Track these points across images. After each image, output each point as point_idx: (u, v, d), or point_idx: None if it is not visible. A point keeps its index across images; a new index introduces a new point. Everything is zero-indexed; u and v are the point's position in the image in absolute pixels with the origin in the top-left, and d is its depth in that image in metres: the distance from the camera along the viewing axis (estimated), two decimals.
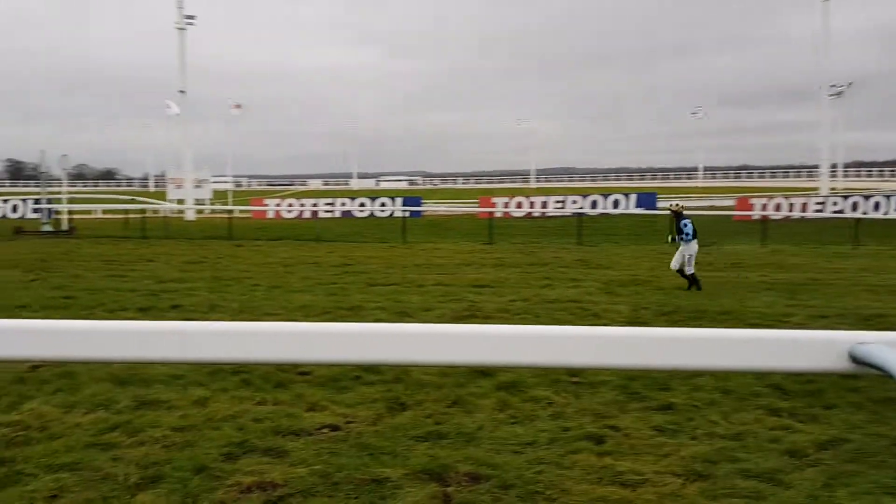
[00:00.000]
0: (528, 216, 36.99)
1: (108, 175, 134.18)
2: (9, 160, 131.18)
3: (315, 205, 37.11)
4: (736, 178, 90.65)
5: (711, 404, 5.87)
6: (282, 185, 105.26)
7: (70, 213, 30.52)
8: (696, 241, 12.96)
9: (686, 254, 12.88)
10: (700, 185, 75.17)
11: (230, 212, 29.27)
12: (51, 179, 35.37)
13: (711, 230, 27.30)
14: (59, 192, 32.17)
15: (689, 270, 12.85)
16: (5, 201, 35.99)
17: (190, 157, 41.77)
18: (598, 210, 36.48)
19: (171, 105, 45.31)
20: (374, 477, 4.39)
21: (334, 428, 5.28)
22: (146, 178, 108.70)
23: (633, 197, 38.26)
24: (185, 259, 17.94)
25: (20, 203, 34.89)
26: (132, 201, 37.58)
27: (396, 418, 5.48)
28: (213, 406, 5.68)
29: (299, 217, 36.38)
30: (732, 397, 6.03)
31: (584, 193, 41.56)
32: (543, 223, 33.76)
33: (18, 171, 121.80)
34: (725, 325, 9.26)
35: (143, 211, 30.34)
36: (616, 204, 37.44)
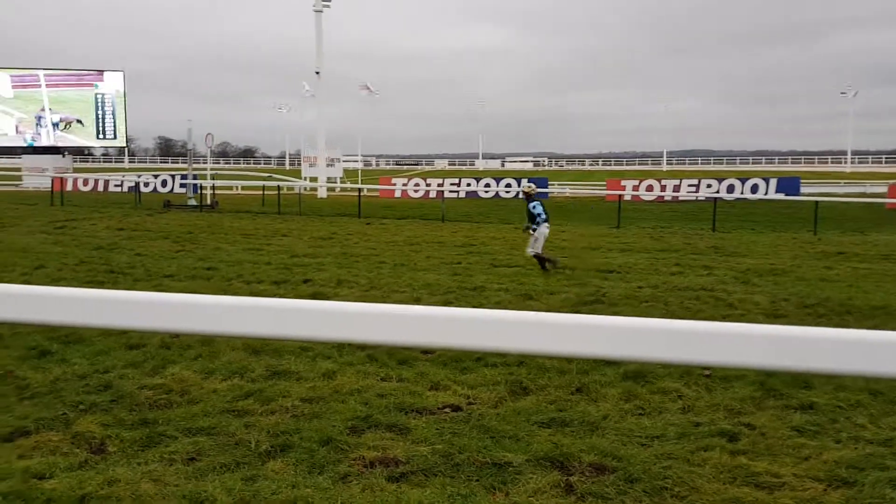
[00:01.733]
0: (659, 200, 35.79)
1: (247, 153, 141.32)
2: (160, 138, 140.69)
3: (441, 185, 37.48)
4: (889, 163, 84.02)
5: (857, 406, 5.42)
6: (409, 165, 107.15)
7: (213, 188, 32.31)
8: (545, 224, 12.54)
9: (535, 236, 12.47)
10: (848, 170, 70.25)
11: (359, 190, 30.02)
12: (196, 156, 37.58)
13: (861, 218, 25.42)
14: (203, 169, 34.13)
15: (531, 251, 12.51)
16: (156, 176, 38.52)
17: (323, 137, 43.15)
18: (735, 195, 34.78)
19: (307, 86, 46.88)
20: (495, 460, 4.34)
21: (456, 408, 5.28)
22: (283, 157, 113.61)
23: (774, 181, 36.21)
24: (317, 235, 18.57)
25: (169, 178, 37.23)
26: (269, 178, 39.36)
27: (519, 402, 5.41)
28: (340, 379, 5.82)
29: (425, 196, 36.87)
30: (881, 400, 5.55)
31: (719, 177, 39.76)
32: (675, 207, 32.55)
33: (169, 149, 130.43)
34: (877, 322, 8.57)
35: (278, 188, 31.65)
36: (755, 189, 35.56)
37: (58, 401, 5.22)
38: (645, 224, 23.49)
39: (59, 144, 50.06)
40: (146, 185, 35.75)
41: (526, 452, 4.45)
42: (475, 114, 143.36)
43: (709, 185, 35.83)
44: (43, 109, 49.47)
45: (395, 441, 4.64)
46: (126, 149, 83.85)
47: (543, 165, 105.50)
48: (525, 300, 9.69)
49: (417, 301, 9.50)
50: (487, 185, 38.38)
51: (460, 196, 36.84)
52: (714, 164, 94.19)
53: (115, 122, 50.40)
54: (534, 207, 12.68)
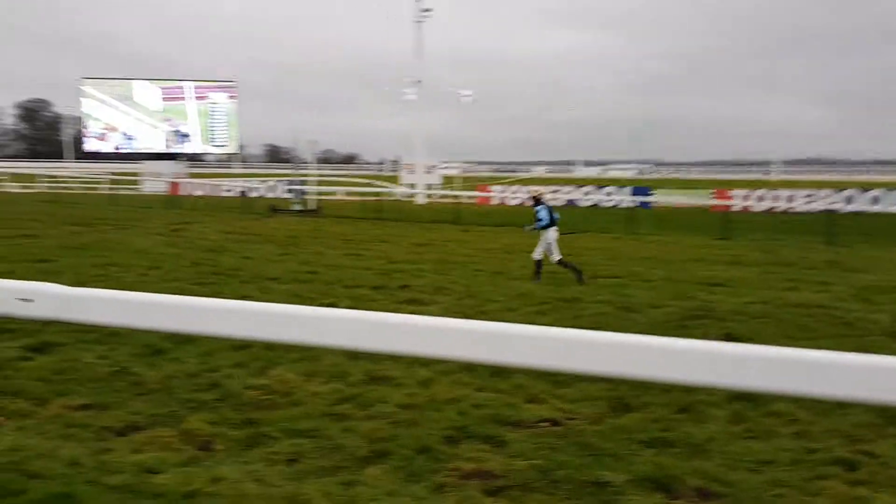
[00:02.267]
0: (771, 211, 34.30)
1: (349, 159, 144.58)
2: (268, 145, 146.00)
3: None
4: None
5: None
6: (507, 172, 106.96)
7: (317, 194, 33.22)
8: (552, 228, 12.47)
9: (544, 243, 12.44)
10: None
11: (457, 197, 30.16)
12: (301, 163, 38.76)
13: None
14: (308, 175, 35.16)
15: (537, 256, 12.45)
16: (264, 182, 39.94)
17: (422, 144, 43.69)
18: (855, 206, 32.92)
19: (407, 94, 47.62)
20: (595, 479, 4.22)
21: (555, 423, 5.18)
22: (382, 163, 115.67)
23: None
24: (415, 241, 18.76)
25: (275, 184, 38.52)
26: (369, 185, 40.14)
27: (620, 419, 5.25)
28: (436, 388, 5.81)
29: (523, 204, 36.68)
30: None
31: (838, 187, 37.73)
32: (788, 219, 31.11)
33: (276, 155, 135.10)
34: None
35: (378, 194, 32.20)
36: (876, 200, 33.55)
37: (169, 398, 5.45)
38: (755, 236, 22.52)
39: (176, 151, 52.82)
40: (254, 190, 37.11)
41: (627, 472, 4.31)
42: (576, 119, 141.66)
43: (825, 196, 34.08)
44: (166, 120, 52.33)
45: (491, 453, 4.58)
46: (237, 155, 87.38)
47: (647, 173, 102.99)
48: (625, 313, 9.44)
49: (512, 311, 9.42)
50: (588, 193, 37.81)
51: (559, 204, 36.44)
52: (828, 172, 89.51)
53: (228, 130, 52.76)
54: (538, 212, 12.65)
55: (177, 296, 1.84)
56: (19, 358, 6.32)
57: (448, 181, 49.70)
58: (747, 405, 5.52)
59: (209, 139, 52.91)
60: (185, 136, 52.74)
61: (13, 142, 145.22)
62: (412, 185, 41.48)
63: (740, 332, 8.29)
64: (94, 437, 4.66)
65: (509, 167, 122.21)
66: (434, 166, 43.84)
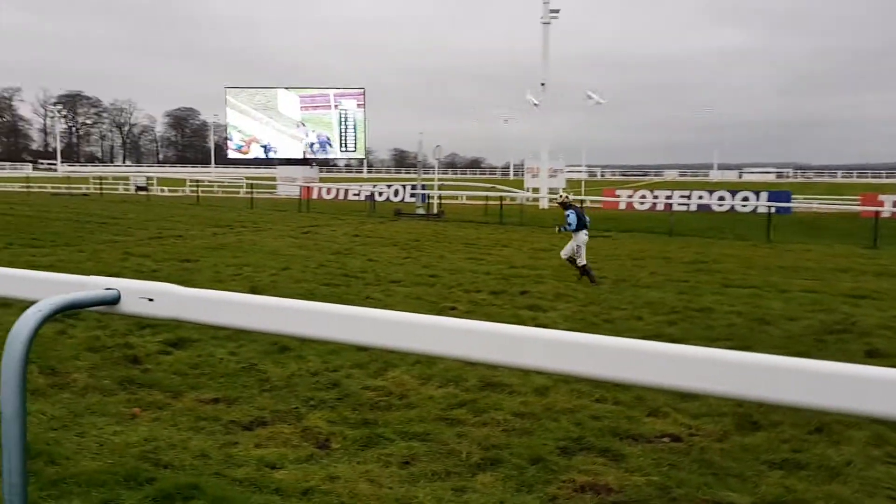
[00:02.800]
0: None
1: (474, 164, 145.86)
2: (395, 149, 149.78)
3: (669, 197, 36.01)
4: None
5: None
6: (635, 176, 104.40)
7: (440, 198, 33.67)
8: (581, 232, 12.75)
9: (574, 244, 12.77)
10: None
11: (582, 202, 29.73)
12: (426, 167, 39.43)
13: None
14: (431, 179, 35.70)
15: (581, 262, 12.62)
16: (389, 186, 40.90)
17: (546, 147, 43.34)
18: None
19: (532, 97, 47.39)
20: (717, 500, 4.00)
21: (676, 438, 4.96)
22: (507, 167, 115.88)
23: None
24: (537, 246, 18.62)
25: (400, 188, 39.35)
26: (492, 189, 40.26)
27: (747, 438, 4.96)
28: (553, 396, 5.72)
29: (652, 209, 35.65)
30: None
31: None
32: None
33: (402, 159, 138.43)
34: None
35: (501, 198, 32.23)
36: None
37: (292, 395, 5.64)
38: None
39: (309, 156, 55.10)
40: (380, 194, 38.09)
41: (753, 494, 4.06)
42: (710, 121, 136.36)
43: None
44: (300, 126, 54.74)
45: (607, 467, 4.44)
46: (364, 160, 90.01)
47: (787, 177, 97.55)
48: (759, 325, 8.95)
49: (639, 320, 9.14)
50: (721, 198, 36.26)
51: (690, 209, 35.16)
52: None
53: (355, 136, 54.50)
54: (567, 216, 12.97)
55: (285, 299, 1.88)
56: (159, 352, 6.74)
57: (573, 185, 49.10)
58: (890, 426, 5.08)
59: (340, 145, 54.83)
60: (319, 142, 54.88)
61: (164, 148, 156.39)
62: (536, 190, 41.26)
63: (885, 348, 7.66)
64: (222, 430, 4.89)
65: (639, 170, 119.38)
66: (559, 170, 43.39)
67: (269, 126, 55.27)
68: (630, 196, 39.06)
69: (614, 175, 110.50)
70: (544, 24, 42.46)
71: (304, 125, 54.41)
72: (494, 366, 1.81)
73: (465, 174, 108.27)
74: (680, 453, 4.68)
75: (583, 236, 12.79)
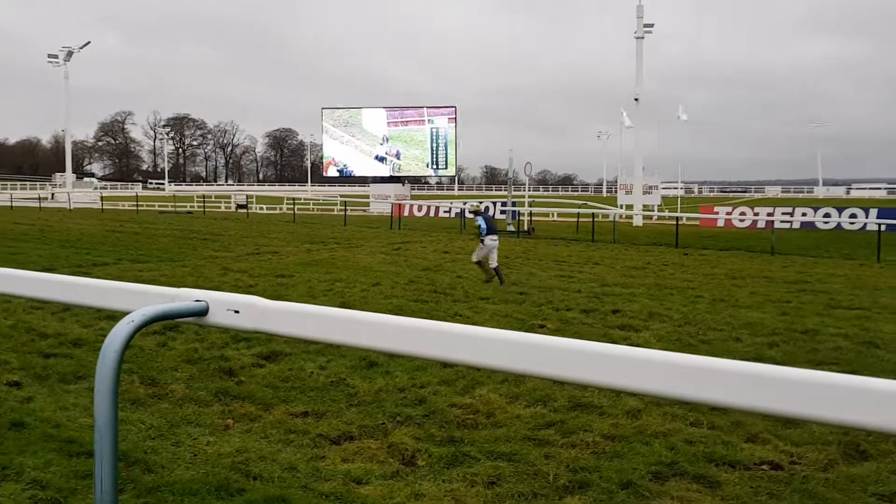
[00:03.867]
0: None
1: (566, 181, 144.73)
2: (486, 167, 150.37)
3: (770, 214, 34.60)
4: None
5: None
6: (734, 193, 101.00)
7: (531, 215, 33.47)
8: (491, 235, 13.86)
9: (482, 249, 14.00)
10: None
11: (677, 219, 28.93)
12: (517, 184, 39.33)
13: None
14: (522, 196, 35.56)
15: (493, 264, 13.84)
16: (479, 203, 40.98)
17: (640, 163, 42.48)
18: None
19: (625, 113, 46.66)
20: None
21: (776, 466, 4.69)
22: (600, 184, 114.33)
23: None
24: (629, 264, 18.20)
25: (490, 205, 39.37)
26: (584, 206, 39.73)
27: (854, 468, 4.64)
28: (646, 419, 5.52)
29: (752, 227, 34.32)
30: None
31: None
32: None
33: (493, 177, 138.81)
34: None
35: (592, 215, 31.76)
36: None
37: (379, 410, 5.67)
38: None
39: (400, 174, 55.99)
40: (470, 211, 38.18)
41: None
42: (815, 136, 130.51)
43: None
44: (391, 145, 55.77)
45: (701, 494, 4.24)
46: (455, 177, 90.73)
47: None
48: (868, 349, 8.42)
49: (737, 341, 8.76)
50: (827, 216, 34.56)
51: (793, 227, 33.68)
52: None
53: (447, 153, 55.02)
54: (478, 223, 14.29)
55: (366, 312, 1.87)
56: (252, 365, 6.92)
57: (669, 202, 47.92)
58: None
59: (431, 162, 55.45)
60: (409, 159, 55.69)
61: (263, 168, 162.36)
62: (630, 207, 40.48)
63: None
64: (311, 443, 4.95)
65: (738, 187, 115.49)
66: (654, 186, 42.44)
67: (362, 145, 56.51)
68: (729, 213, 37.72)
69: (712, 191, 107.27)
70: (638, 38, 41.79)
71: (388, 141, 55.36)
72: (585, 385, 1.74)
73: (557, 191, 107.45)
74: (780, 482, 4.43)
75: (489, 241, 13.93)
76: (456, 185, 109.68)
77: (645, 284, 13.97)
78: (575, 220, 34.47)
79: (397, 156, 55.39)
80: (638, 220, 38.11)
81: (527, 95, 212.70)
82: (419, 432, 5.18)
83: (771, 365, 1.51)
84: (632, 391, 1.62)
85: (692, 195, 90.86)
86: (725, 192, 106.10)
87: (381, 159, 56.22)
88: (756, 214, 35.89)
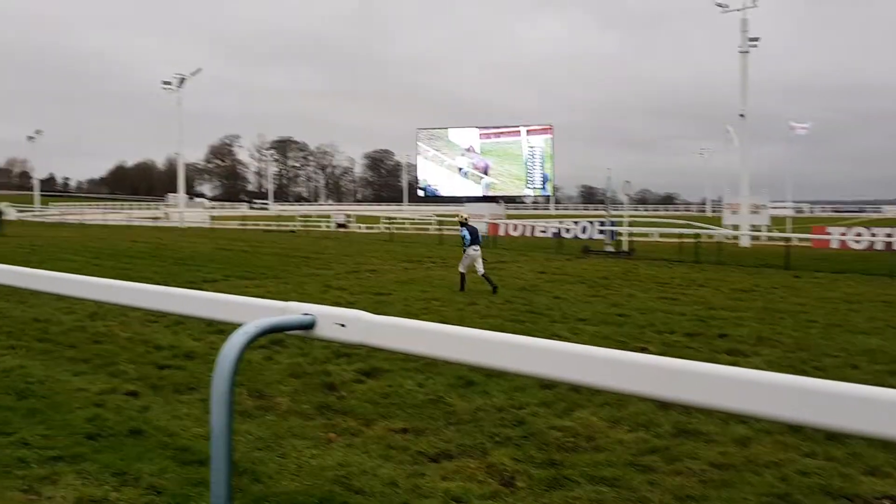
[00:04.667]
0: None
1: (667, 200, 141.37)
2: (583, 186, 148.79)
3: (889, 235, 32.63)
4: None
5: None
6: (850, 212, 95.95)
7: (630, 235, 32.81)
8: (473, 246, 15.37)
9: (466, 259, 15.43)
10: None
11: (787, 239, 27.68)
12: (615, 203, 38.69)
13: None
14: (621, 216, 34.92)
15: (480, 271, 15.30)
16: (576, 223, 40.54)
17: (747, 182, 41.02)
18: None
19: (730, 129, 45.23)
20: None
21: None
22: (703, 203, 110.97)
23: None
24: (736, 286, 17.53)
25: (588, 225, 38.86)
26: (687, 226, 38.62)
27: None
28: (756, 448, 5.27)
29: (869, 248, 32.44)
30: None
31: None
32: None
33: (590, 196, 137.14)
34: None
35: (696, 236, 30.83)
36: None
37: (477, 430, 5.64)
38: None
39: (494, 194, 56.09)
40: (567, 231, 37.82)
41: None
42: None
43: None
44: (478, 161, 56.05)
45: None
46: (552, 197, 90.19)
47: None
48: None
49: (854, 369, 8.27)
50: None
51: None
52: None
53: (543, 172, 54.77)
54: (462, 234, 15.76)
55: (469, 328, 1.87)
56: (353, 380, 7.05)
57: (778, 222, 46.00)
58: None
59: (526, 181, 55.32)
60: (504, 178, 55.73)
61: (361, 188, 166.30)
62: (736, 227, 39.06)
63: None
64: (411, 460, 4.97)
65: (854, 206, 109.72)
66: (762, 206, 40.84)
67: (455, 164, 56.99)
68: (843, 234, 35.79)
69: (825, 211, 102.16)
70: (742, 52, 40.56)
71: (482, 159, 55.54)
72: (690, 407, 1.68)
73: (658, 210, 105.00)
74: None
75: (472, 251, 15.41)
76: (552, 205, 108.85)
77: (753, 308, 13.42)
78: (677, 240, 33.55)
79: (486, 171, 55.52)
80: (745, 241, 36.72)
81: (625, 112, 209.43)
82: (518, 453, 5.12)
83: (890, 389, 1.41)
84: (745, 414, 1.55)
85: (803, 214, 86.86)
86: (839, 211, 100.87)
87: (475, 179, 56.52)
88: (873, 235, 33.88)
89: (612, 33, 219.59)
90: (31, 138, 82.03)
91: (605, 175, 34.15)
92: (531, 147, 54.90)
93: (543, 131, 55.11)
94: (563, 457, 5.06)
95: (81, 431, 5.24)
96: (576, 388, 6.65)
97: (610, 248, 30.19)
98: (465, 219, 16.81)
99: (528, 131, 55.39)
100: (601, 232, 33.04)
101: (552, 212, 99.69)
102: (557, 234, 35.35)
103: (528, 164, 55.02)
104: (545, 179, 55.15)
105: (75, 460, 4.68)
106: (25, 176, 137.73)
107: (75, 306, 10.84)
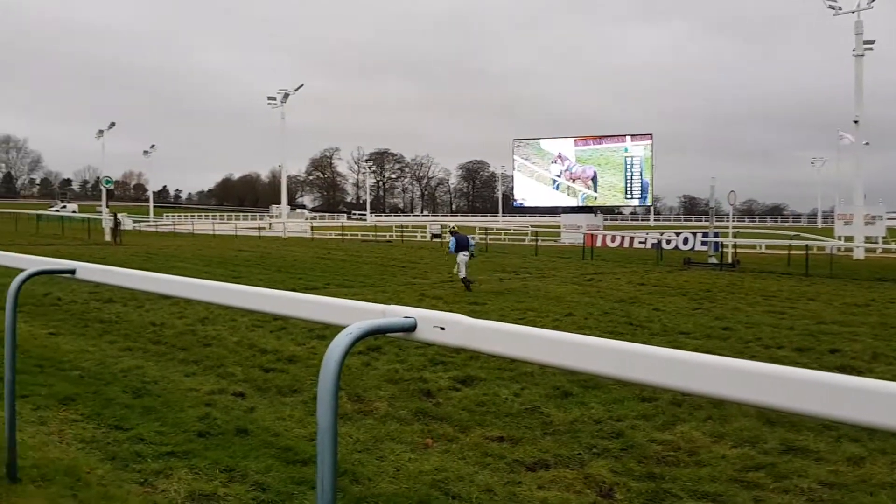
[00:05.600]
0: None
1: (774, 211, 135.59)
2: (684, 196, 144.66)
3: None
4: None
5: None
6: None
7: (735, 246, 31.67)
8: (460, 252, 17.42)
9: (458, 262, 17.32)
10: None
11: None
12: (719, 214, 37.45)
13: None
14: (725, 227, 33.77)
15: (461, 275, 17.13)
16: (678, 234, 39.46)
17: (861, 191, 38.91)
18: None
19: (845, 136, 43.05)
20: None
21: None
22: (814, 214, 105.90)
23: None
24: (849, 301, 16.63)
25: (690, 236, 37.79)
26: (796, 237, 36.95)
27: None
28: (869, 468, 4.99)
29: None
30: None
31: None
32: None
33: (693, 207, 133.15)
34: None
35: (806, 247, 29.45)
36: None
37: (574, 440, 5.59)
38: None
39: (591, 205, 55.36)
40: (668, 242, 36.88)
41: None
42: None
43: None
44: (583, 174, 55.48)
45: None
46: (652, 207, 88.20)
47: None
48: None
49: None
50: None
51: None
52: None
53: (641, 183, 53.67)
54: (449, 241, 18.50)
55: (568, 333, 1.87)
56: (449, 388, 7.10)
57: (895, 233, 43.39)
58: None
59: (625, 192, 54.34)
60: (601, 188, 54.94)
61: (457, 199, 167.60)
62: (849, 238, 37.09)
63: None
64: (507, 468, 4.97)
65: None
66: (877, 216, 38.63)
67: (551, 175, 56.61)
68: None
69: None
70: (856, 56, 38.58)
71: (586, 172, 54.88)
72: (803, 416, 1.61)
73: (765, 221, 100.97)
74: None
75: (461, 256, 17.43)
76: (652, 216, 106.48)
77: (868, 323, 12.70)
78: (786, 252, 32.16)
79: (582, 180, 54.83)
80: (859, 253, 34.83)
81: (728, 120, 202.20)
82: (617, 465, 5.04)
83: None
84: (860, 425, 1.48)
85: None
86: None
87: (571, 190, 55.96)
88: None
89: (716, 40, 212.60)
90: (146, 153, 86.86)
91: (708, 185, 33.09)
92: (630, 156, 53.95)
93: (643, 141, 54.10)
94: (663, 470, 4.94)
95: (193, 429, 5.51)
96: (677, 402, 6.49)
97: (713, 260, 29.22)
98: (454, 229, 19.51)
99: (626, 141, 54.50)
100: (704, 243, 32.04)
101: (651, 223, 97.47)
102: (658, 245, 34.50)
103: (627, 173, 54.06)
104: (644, 189, 54.05)
105: (187, 456, 4.92)
106: (141, 188, 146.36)
107: (187, 311, 11.40)
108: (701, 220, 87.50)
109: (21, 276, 3.98)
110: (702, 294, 17.46)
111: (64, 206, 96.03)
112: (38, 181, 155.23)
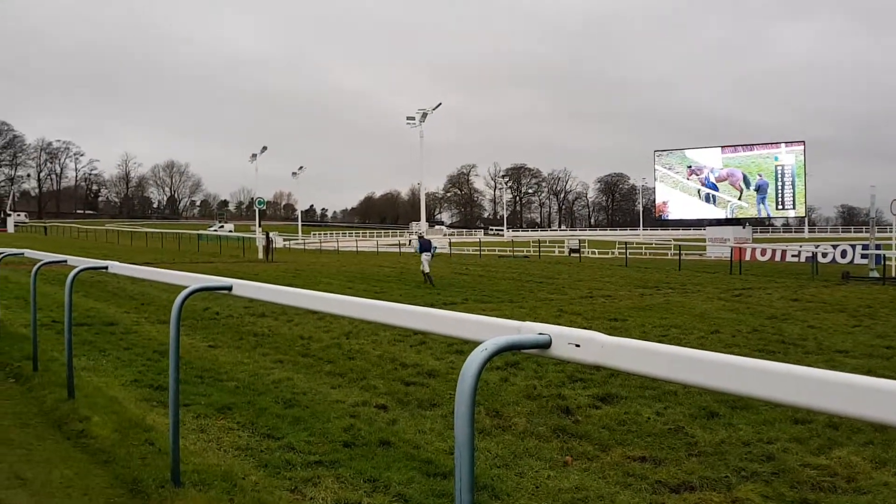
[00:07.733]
0: None
1: None
2: (841, 206, 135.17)
3: None
4: None
5: None
6: None
7: None
8: (424, 253, 23.29)
9: (423, 261, 23.08)
10: None
11: None
12: (881, 224, 34.69)
13: None
14: (888, 238, 31.23)
15: (425, 270, 22.80)
16: (835, 246, 36.95)
17: None
18: None
19: None
20: None
21: None
22: None
23: None
24: None
25: (849, 248, 35.29)
26: None
27: None
28: None
29: None
30: None
31: None
32: None
33: (852, 217, 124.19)
34: None
35: None
36: None
37: (721, 463, 5.36)
38: None
39: (738, 216, 52.83)
40: (824, 255, 34.60)
41: None
42: None
43: None
44: (729, 185, 53.14)
45: None
46: (805, 218, 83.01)
47: None
48: None
49: None
50: None
51: None
52: None
53: (794, 193, 50.68)
54: (416, 245, 24.58)
55: (711, 352, 1.82)
56: (589, 405, 7.01)
57: None
58: None
59: (774, 202, 51.50)
60: (748, 200, 52.34)
61: (595, 213, 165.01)
62: None
63: None
64: (650, 489, 4.84)
65: None
66: None
67: (695, 186, 54.54)
68: None
69: None
70: None
71: (732, 183, 52.46)
72: None
73: None
74: None
75: (424, 257, 22.93)
76: (806, 227, 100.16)
77: None
78: None
79: (744, 179, 52.35)
80: None
81: (889, 121, 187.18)
82: (767, 490, 4.78)
83: None
84: None
85: None
86: None
87: (717, 201, 53.67)
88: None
89: (874, 38, 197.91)
90: (294, 174, 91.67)
91: (867, 193, 30.76)
92: (781, 164, 51.19)
93: (794, 148, 51.22)
94: (818, 496, 4.65)
95: (339, 439, 5.75)
96: (833, 425, 6.10)
97: (875, 274, 27.10)
98: (420, 234, 25.01)
99: (780, 146, 51.77)
100: (864, 256, 29.79)
101: (806, 235, 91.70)
102: (812, 259, 32.40)
103: (778, 182, 51.29)
104: (796, 199, 51.08)
105: (333, 465, 5.14)
106: (290, 208, 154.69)
107: (332, 325, 11.90)
108: (861, 232, 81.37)
109: (183, 293, 4.32)
110: (862, 310, 16.23)
111: (221, 226, 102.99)
112: (198, 203, 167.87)
